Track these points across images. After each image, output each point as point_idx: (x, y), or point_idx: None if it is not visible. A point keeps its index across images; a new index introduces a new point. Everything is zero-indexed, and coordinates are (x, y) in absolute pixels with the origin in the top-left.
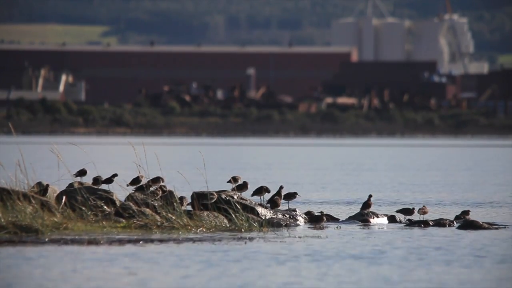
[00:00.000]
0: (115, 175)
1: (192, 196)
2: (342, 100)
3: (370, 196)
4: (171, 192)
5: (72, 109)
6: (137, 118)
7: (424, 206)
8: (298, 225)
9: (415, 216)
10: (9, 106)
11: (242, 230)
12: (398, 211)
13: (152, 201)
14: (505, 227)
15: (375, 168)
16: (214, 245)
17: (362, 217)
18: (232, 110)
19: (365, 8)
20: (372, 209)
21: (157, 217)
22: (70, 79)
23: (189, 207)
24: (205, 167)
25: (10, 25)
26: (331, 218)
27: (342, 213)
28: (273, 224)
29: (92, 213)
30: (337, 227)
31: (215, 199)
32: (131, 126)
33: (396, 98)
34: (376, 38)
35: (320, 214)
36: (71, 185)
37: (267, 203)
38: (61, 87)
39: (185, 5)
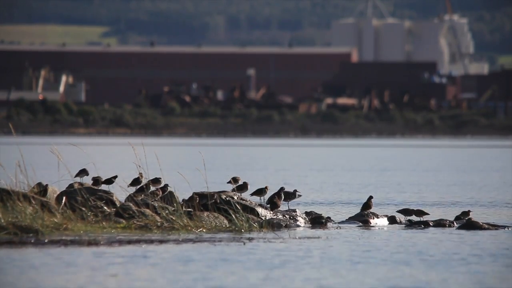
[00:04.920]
0: (115, 176)
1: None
2: (342, 100)
3: (371, 197)
4: (171, 193)
5: (72, 109)
6: (137, 119)
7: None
8: (298, 225)
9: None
10: (9, 106)
11: (242, 230)
12: (398, 211)
13: (152, 201)
14: (505, 228)
15: (375, 169)
16: (214, 246)
17: (362, 217)
18: (232, 110)
19: (365, 8)
20: (372, 209)
21: (157, 218)
22: (70, 79)
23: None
24: (205, 168)
25: (10, 25)
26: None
27: (342, 213)
28: (273, 224)
29: (92, 213)
30: (337, 228)
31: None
32: (131, 126)
33: (396, 99)
34: (376, 39)
35: (320, 214)
36: (71, 185)
37: (267, 204)
38: (61, 88)
39: (185, 5)
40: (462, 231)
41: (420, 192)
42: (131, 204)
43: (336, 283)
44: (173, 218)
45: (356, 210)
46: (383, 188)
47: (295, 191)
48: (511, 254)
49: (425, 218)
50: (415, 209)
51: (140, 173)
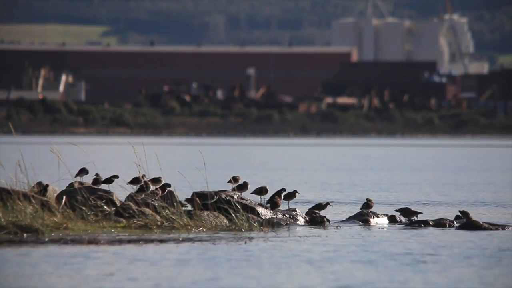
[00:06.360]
0: (115, 176)
1: (192, 196)
2: (342, 100)
3: (370, 200)
4: (171, 192)
5: (72, 109)
6: (137, 118)
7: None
8: (298, 225)
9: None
10: (9, 106)
11: (242, 230)
12: (397, 210)
13: (152, 201)
14: (505, 227)
15: (375, 168)
16: (214, 245)
17: (362, 217)
18: (232, 110)
19: (365, 8)
20: (372, 209)
21: (157, 217)
22: (70, 79)
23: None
24: (205, 167)
25: (10, 25)
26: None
27: (342, 213)
28: (273, 224)
29: (92, 213)
30: (337, 227)
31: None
32: (131, 126)
33: (396, 98)
34: (376, 38)
35: (320, 214)
36: (71, 185)
37: (267, 203)
38: (61, 87)
39: (185, 5)
40: (462, 231)
41: (419, 191)
42: (131, 204)
43: (335, 282)
44: (173, 217)
45: (356, 209)
46: (382, 188)
47: (295, 191)
48: (511, 254)
49: (421, 217)
50: (412, 208)
51: (143, 175)
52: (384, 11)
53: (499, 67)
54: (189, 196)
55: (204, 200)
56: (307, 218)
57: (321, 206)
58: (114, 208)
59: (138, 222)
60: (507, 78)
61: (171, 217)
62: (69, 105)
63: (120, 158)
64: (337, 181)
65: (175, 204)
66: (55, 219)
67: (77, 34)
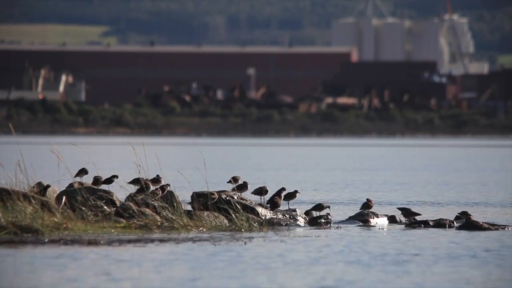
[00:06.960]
0: (115, 176)
1: (192, 196)
2: (342, 100)
3: (370, 200)
4: (171, 192)
5: (72, 109)
6: (137, 118)
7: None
8: (298, 225)
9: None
10: (9, 106)
11: (242, 230)
12: (398, 208)
13: (152, 201)
14: (505, 228)
15: (375, 168)
16: (214, 245)
17: (362, 217)
18: (232, 110)
19: (365, 8)
20: (372, 209)
21: (157, 217)
22: (70, 79)
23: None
24: (206, 167)
25: (10, 25)
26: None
27: (342, 213)
28: (273, 224)
29: (92, 213)
30: (337, 227)
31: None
32: (131, 126)
33: (396, 98)
34: (376, 38)
35: (320, 214)
36: (71, 185)
37: (267, 204)
38: (61, 87)
39: (185, 5)
40: (462, 231)
41: (419, 191)
42: (131, 204)
43: (335, 282)
44: (173, 217)
45: (356, 209)
46: (382, 188)
47: (296, 191)
48: (510, 254)
49: (421, 217)
50: (411, 209)
51: (146, 180)
52: (384, 11)
53: (499, 67)
54: (189, 196)
55: (204, 200)
56: (307, 219)
57: (321, 207)
58: (114, 208)
59: (138, 222)
60: (507, 78)
61: (171, 217)
62: (69, 105)
63: (120, 158)
64: (337, 181)
65: (175, 204)
66: (55, 219)
67: (77, 34)
